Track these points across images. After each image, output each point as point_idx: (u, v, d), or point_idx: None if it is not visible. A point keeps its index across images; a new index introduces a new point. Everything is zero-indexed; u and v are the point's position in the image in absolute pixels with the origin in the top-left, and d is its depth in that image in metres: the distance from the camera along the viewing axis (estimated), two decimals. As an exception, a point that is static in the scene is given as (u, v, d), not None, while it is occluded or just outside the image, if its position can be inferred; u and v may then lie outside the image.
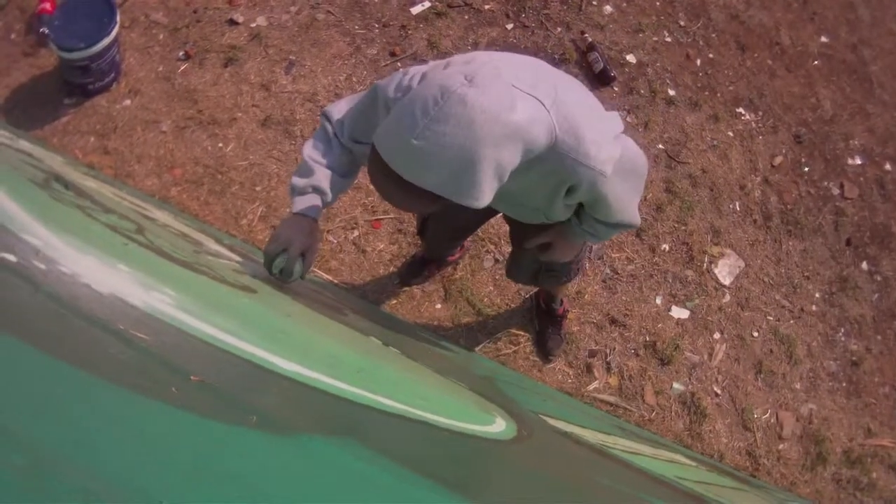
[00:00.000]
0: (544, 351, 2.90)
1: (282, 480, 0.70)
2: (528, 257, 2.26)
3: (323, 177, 1.57)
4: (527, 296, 2.95)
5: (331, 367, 1.73)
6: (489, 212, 2.09)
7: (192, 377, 0.91)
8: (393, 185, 1.22)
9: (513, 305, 2.94)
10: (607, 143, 1.40)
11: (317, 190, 1.57)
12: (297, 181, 1.59)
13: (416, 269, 2.92)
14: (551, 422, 2.51)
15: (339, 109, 1.59)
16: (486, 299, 2.93)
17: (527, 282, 2.63)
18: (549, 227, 1.93)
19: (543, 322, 2.93)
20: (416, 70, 1.42)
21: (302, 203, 1.58)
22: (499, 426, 1.81)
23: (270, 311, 2.37)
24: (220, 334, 1.42)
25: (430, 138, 1.12)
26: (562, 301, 2.85)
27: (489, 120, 1.14)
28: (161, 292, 1.71)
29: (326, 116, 1.60)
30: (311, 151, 1.59)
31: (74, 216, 2.33)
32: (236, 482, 0.64)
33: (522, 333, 2.93)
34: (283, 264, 1.58)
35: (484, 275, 2.98)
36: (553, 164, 1.34)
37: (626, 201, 1.60)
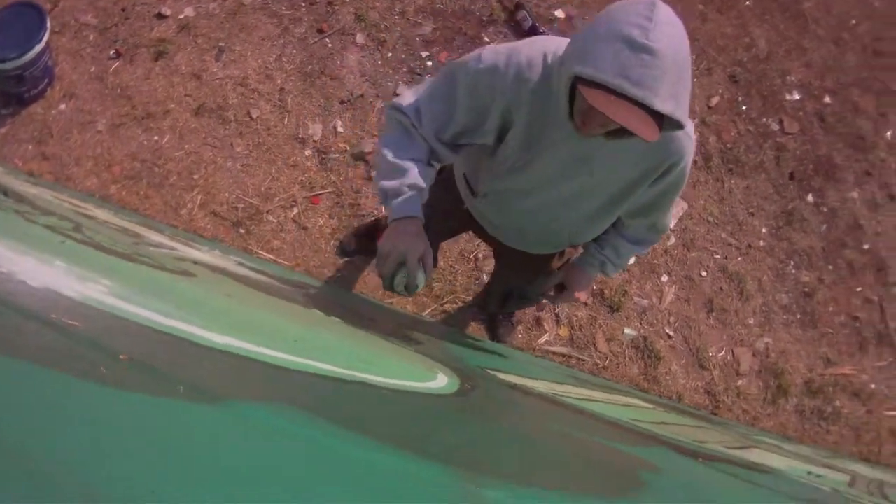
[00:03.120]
0: (495, 338, 2.89)
1: (208, 443, 0.71)
2: (501, 283, 2.32)
3: (414, 172, 1.45)
4: (470, 255, 2.96)
5: (268, 338, 1.74)
6: (463, 227, 2.08)
7: (121, 356, 0.93)
8: (621, 109, 1.15)
9: (457, 268, 2.95)
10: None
11: (413, 187, 1.44)
12: (390, 184, 1.45)
13: (363, 242, 2.89)
14: (501, 376, 2.52)
15: (408, 99, 1.49)
16: (430, 264, 2.94)
17: (496, 308, 2.70)
18: (556, 270, 1.95)
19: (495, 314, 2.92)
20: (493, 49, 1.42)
21: (403, 205, 1.45)
22: (440, 382, 1.83)
23: (209, 292, 2.38)
24: (153, 316, 1.44)
25: (663, 39, 1.11)
26: None
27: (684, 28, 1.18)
28: (96, 282, 1.73)
29: (399, 109, 1.49)
30: (392, 150, 1.47)
31: (13, 221, 2.35)
32: (162, 448, 0.65)
33: (468, 298, 2.94)
34: (406, 280, 1.46)
35: (427, 240, 2.99)
36: (662, 138, 1.25)
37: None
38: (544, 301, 2.65)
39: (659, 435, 2.08)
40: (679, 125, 1.24)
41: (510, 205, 1.66)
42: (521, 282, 2.22)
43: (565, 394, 2.34)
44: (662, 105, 1.14)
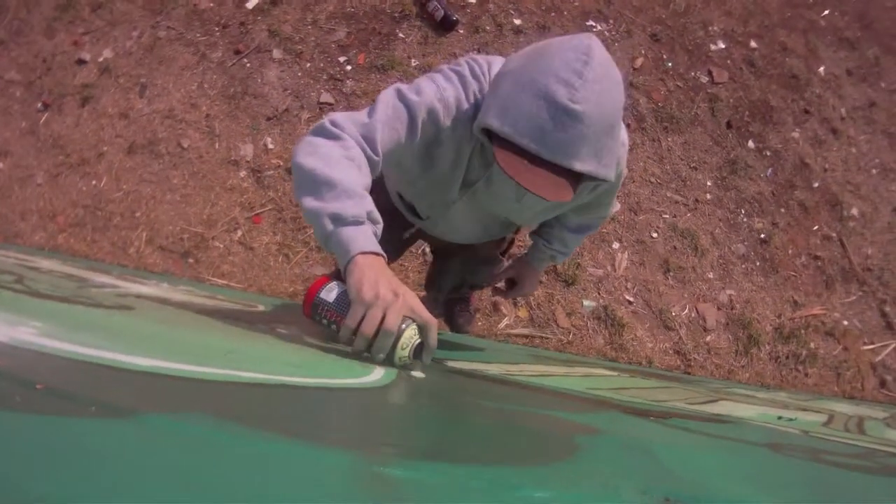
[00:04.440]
0: (456, 329, 2.86)
1: (115, 453, 0.73)
2: (452, 273, 2.27)
3: (371, 202, 1.16)
4: (418, 251, 2.95)
5: (194, 356, 1.74)
6: (407, 242, 2.07)
7: (37, 386, 0.95)
8: (532, 174, 1.09)
9: (406, 265, 2.94)
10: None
11: (373, 220, 1.15)
12: (346, 207, 1.11)
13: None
14: (449, 363, 2.51)
15: (349, 118, 1.24)
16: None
17: (448, 295, 2.62)
18: (500, 256, 1.93)
19: (450, 301, 2.90)
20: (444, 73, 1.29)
21: (366, 237, 1.12)
22: (376, 375, 1.82)
23: (144, 321, 2.39)
24: (77, 348, 1.45)
25: (591, 99, 1.04)
26: None
27: (620, 76, 1.11)
28: (27, 325, 1.74)
29: (339, 126, 1.21)
30: (337, 168, 1.15)
31: (-51, 282, 2.37)
32: (68, 461, 0.68)
33: (422, 292, 2.93)
34: (418, 340, 1.11)
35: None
36: None
37: None
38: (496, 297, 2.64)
39: (613, 399, 2.07)
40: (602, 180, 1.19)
41: (452, 221, 1.65)
42: (465, 272, 2.21)
43: (517, 372, 2.33)
44: (582, 166, 1.09)
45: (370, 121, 1.22)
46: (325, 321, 1.17)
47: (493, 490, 0.77)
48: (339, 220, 1.10)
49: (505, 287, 1.99)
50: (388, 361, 1.10)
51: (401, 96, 1.25)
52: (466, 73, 1.28)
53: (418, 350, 1.11)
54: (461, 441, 1.14)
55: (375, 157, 1.22)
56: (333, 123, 1.21)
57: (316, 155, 1.16)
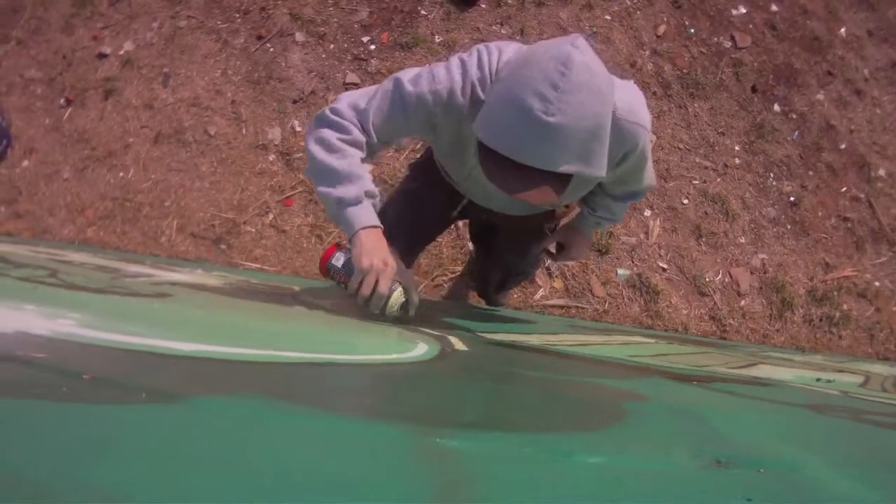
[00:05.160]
0: (491, 302, 2.87)
1: (171, 437, 0.74)
2: (497, 268, 2.31)
3: (370, 179, 1.40)
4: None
5: (238, 338, 1.74)
6: (448, 219, 2.08)
7: (84, 376, 0.97)
8: (516, 181, 1.15)
9: (440, 239, 2.94)
10: (640, 99, 1.38)
11: (370, 195, 1.41)
12: (348, 190, 1.37)
13: None
14: (489, 336, 2.52)
15: (349, 104, 1.41)
16: (411, 242, 2.93)
17: (496, 291, 2.63)
18: (553, 230, 1.95)
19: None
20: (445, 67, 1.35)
21: (367, 214, 1.39)
22: (420, 350, 1.83)
23: (182, 308, 2.40)
24: (120, 337, 1.46)
25: (567, 111, 1.07)
26: None
27: (608, 82, 1.13)
28: (66, 318, 1.75)
29: (338, 113, 1.40)
30: (339, 155, 1.38)
31: (-14, 281, 2.38)
32: (121, 448, 0.68)
33: (458, 268, 2.93)
34: (406, 297, 1.44)
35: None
36: (614, 132, 1.27)
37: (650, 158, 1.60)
38: (546, 261, 2.62)
39: (655, 366, 2.07)
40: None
41: (479, 188, 1.68)
42: (516, 253, 2.21)
43: (557, 342, 2.34)
44: (568, 169, 1.13)
45: (365, 107, 1.39)
46: (336, 281, 1.50)
47: (547, 457, 0.77)
48: (342, 202, 1.37)
49: (556, 250, 2.01)
50: (381, 314, 1.43)
51: (397, 85, 1.37)
52: (472, 63, 1.34)
53: (404, 306, 1.44)
54: (510, 410, 1.14)
55: (370, 139, 1.40)
56: (333, 111, 1.40)
57: (321, 143, 1.39)
